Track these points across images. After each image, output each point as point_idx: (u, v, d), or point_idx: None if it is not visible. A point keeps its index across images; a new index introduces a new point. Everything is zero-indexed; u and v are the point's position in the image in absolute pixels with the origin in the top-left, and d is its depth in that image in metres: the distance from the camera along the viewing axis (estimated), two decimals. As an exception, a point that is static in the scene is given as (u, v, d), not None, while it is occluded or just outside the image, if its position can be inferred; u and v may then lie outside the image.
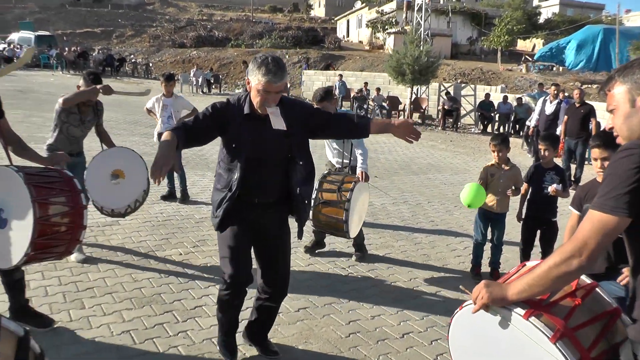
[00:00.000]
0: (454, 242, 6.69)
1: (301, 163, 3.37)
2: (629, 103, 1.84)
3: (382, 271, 5.58)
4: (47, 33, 43.18)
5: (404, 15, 36.42)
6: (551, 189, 5.10)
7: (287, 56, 34.73)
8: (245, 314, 3.90)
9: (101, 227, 6.35)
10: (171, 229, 6.48)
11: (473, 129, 20.49)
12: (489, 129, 20.07)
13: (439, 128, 20.34)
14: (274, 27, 47.64)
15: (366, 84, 23.52)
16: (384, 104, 21.65)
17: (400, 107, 22.45)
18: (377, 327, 4.34)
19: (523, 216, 5.45)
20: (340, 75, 25.12)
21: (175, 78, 7.66)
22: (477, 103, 20.91)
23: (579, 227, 1.80)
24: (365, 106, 22.20)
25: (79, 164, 5.32)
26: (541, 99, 11.96)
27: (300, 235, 3.63)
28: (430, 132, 19.37)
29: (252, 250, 3.58)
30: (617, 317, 2.00)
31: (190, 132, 3.16)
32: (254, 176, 3.29)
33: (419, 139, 3.38)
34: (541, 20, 45.17)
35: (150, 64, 37.13)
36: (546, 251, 5.34)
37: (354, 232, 5.27)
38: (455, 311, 2.24)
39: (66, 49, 38.14)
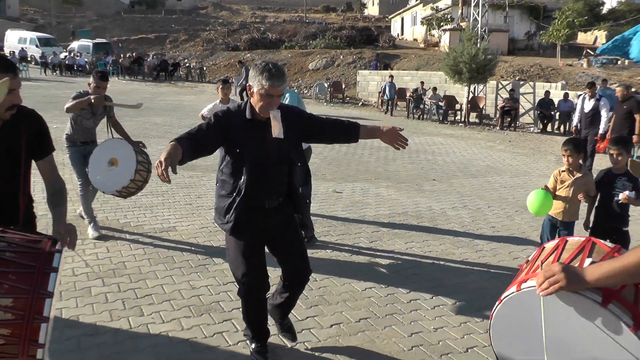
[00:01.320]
0: (516, 250, 6.43)
1: (299, 164, 3.54)
2: None
3: (444, 280, 5.39)
4: (103, 40, 44.32)
5: (460, 11, 35.79)
6: (622, 196, 4.79)
7: (341, 56, 34.62)
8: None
9: (158, 233, 6.39)
10: (228, 235, 6.45)
11: (532, 129, 19.87)
12: (549, 129, 19.43)
13: (497, 128, 19.82)
14: (327, 27, 47.58)
15: (422, 83, 23.13)
16: (440, 103, 21.27)
17: (457, 106, 21.99)
18: (440, 340, 4.18)
19: (591, 225, 5.14)
20: (391, 77, 24.08)
21: (230, 81, 7.73)
22: (537, 101, 20.29)
23: None
24: (421, 106, 21.86)
25: (92, 151, 6.06)
26: (580, 98, 11.87)
27: (306, 236, 3.94)
28: (488, 132, 18.91)
29: (267, 248, 3.69)
30: None
31: (195, 142, 3.21)
32: (259, 178, 3.39)
33: (406, 147, 3.54)
34: (604, 10, 43.23)
35: (204, 68, 37.65)
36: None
37: None
38: (511, 291, 2.11)
39: (121, 55, 39.08)
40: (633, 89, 13.60)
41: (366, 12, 67.55)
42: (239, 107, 3.47)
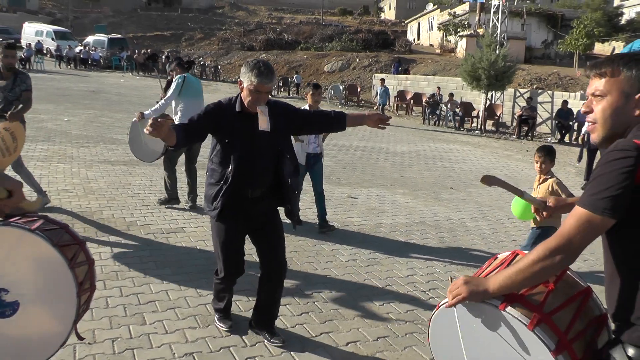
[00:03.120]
0: (543, 265, 6.09)
1: (288, 157, 3.71)
2: (623, 98, 1.79)
3: (466, 296, 5.06)
4: (119, 36, 44.61)
5: (477, 18, 35.40)
6: None
7: (357, 59, 34.32)
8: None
9: (165, 234, 6.10)
10: (238, 239, 6.16)
11: (550, 139, 19.46)
12: (567, 139, 18.99)
13: (514, 136, 19.43)
14: (343, 30, 47.34)
15: (439, 88, 22.78)
16: (457, 109, 20.90)
17: (474, 113, 21.61)
18: (465, 363, 3.85)
19: None
20: (382, 80, 23.52)
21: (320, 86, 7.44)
22: (555, 111, 19.88)
23: (565, 223, 1.77)
24: (437, 112, 21.48)
25: None
26: None
27: (294, 224, 3.98)
28: (504, 140, 18.53)
29: (249, 238, 3.89)
30: (589, 297, 2.02)
31: (188, 129, 3.53)
32: (246, 168, 3.57)
33: (389, 124, 3.74)
34: (623, 21, 42.74)
35: (219, 67, 37.48)
36: None
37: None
38: (434, 311, 2.18)
39: (136, 51, 39.12)
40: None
41: (383, 16, 67.31)
42: (229, 100, 3.66)
